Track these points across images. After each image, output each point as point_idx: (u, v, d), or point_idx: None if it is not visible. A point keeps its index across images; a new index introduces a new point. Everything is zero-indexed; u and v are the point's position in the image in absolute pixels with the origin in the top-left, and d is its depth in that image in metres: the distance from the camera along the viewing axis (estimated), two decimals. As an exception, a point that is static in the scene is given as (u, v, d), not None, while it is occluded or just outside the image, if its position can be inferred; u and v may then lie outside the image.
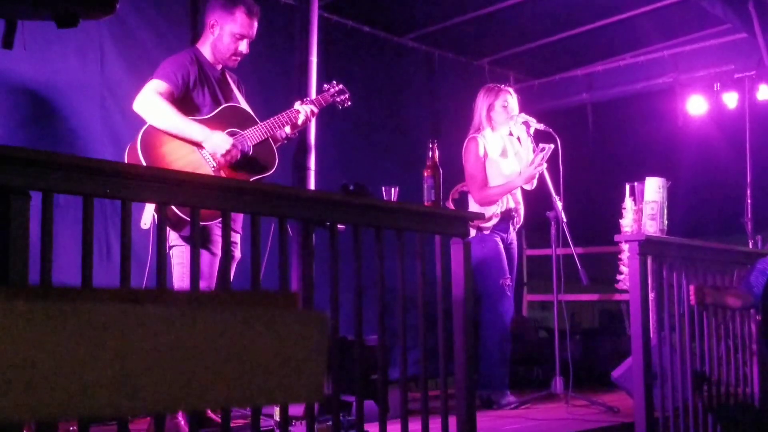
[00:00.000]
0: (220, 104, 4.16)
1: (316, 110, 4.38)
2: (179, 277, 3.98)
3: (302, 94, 5.07)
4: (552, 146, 5.27)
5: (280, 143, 4.43)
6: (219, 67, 4.29)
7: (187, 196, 3.13)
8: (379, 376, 3.81)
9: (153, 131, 3.90)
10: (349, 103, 4.58)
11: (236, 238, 4.09)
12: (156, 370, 0.65)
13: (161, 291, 0.81)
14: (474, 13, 7.06)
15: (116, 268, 3.03)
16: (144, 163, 3.75)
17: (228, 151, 3.97)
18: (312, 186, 5.14)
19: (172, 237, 3.96)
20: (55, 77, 5.05)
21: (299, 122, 4.31)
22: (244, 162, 4.07)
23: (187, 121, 3.95)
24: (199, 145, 4.00)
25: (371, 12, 6.93)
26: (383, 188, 4.20)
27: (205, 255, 3.79)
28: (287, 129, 4.34)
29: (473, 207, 5.53)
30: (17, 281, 2.41)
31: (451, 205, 5.60)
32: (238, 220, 4.14)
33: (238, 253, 4.10)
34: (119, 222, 3.00)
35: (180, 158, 3.90)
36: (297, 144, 5.25)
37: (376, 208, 3.89)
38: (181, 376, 0.65)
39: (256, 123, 4.16)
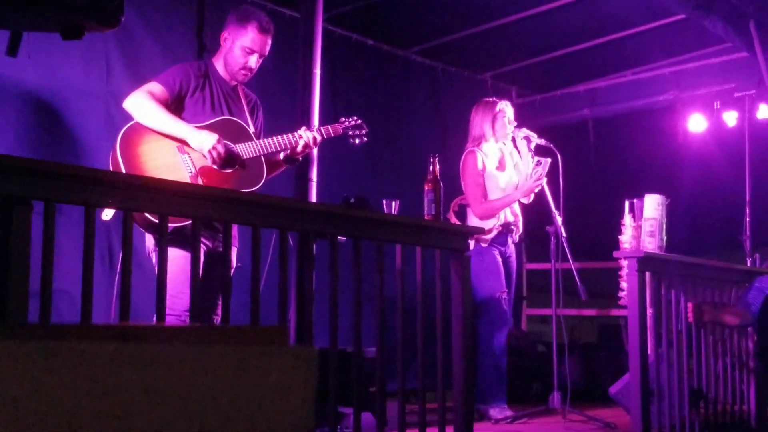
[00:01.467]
0: (221, 116, 4.10)
1: (319, 138, 4.27)
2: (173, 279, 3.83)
3: (305, 108, 5.07)
4: (549, 160, 5.27)
5: (281, 167, 4.33)
6: (233, 83, 4.24)
7: (188, 207, 3.13)
8: (377, 388, 3.80)
9: (135, 130, 3.84)
10: (366, 139, 4.49)
11: (233, 250, 3.98)
12: (148, 408, 0.64)
13: (158, 328, 0.80)
14: (478, 28, 7.07)
15: (118, 275, 3.02)
16: (121, 162, 3.68)
17: (214, 147, 3.89)
18: (314, 198, 5.13)
19: (152, 243, 3.83)
20: (60, 86, 5.05)
21: (298, 148, 4.21)
22: (227, 173, 3.96)
23: (173, 118, 3.90)
24: (182, 148, 3.89)
25: (376, 25, 6.94)
26: (384, 201, 4.20)
27: (184, 260, 3.71)
28: (287, 152, 4.23)
29: (472, 220, 5.53)
30: (18, 291, 2.40)
31: (452, 218, 5.60)
32: (235, 234, 4.03)
33: (234, 261, 4.01)
34: (121, 226, 3.00)
35: (156, 159, 3.81)
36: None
37: (377, 221, 3.89)
38: (172, 414, 0.65)
39: (251, 139, 4.09)
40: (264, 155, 4.09)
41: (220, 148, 3.89)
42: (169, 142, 3.89)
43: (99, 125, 5.17)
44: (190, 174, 3.86)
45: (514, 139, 5.67)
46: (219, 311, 3.94)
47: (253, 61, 4.20)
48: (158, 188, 3.08)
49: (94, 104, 5.19)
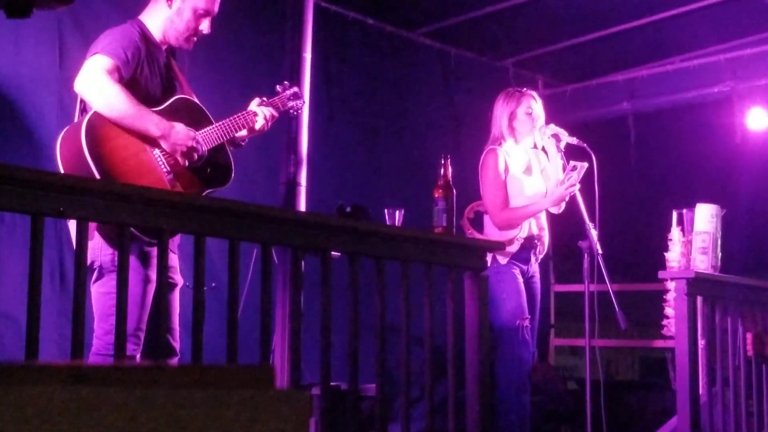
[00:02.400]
0: (167, 94, 3.98)
1: (276, 114, 4.25)
2: (105, 311, 3.63)
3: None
4: (586, 164, 5.26)
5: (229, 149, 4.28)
6: (164, 47, 4.08)
7: (153, 216, 3.13)
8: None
9: (99, 121, 3.69)
10: (301, 111, 4.46)
11: (174, 260, 3.93)
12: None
13: (119, 367, 0.80)
14: (497, 6, 7.07)
15: (71, 295, 3.01)
16: (90, 161, 3.54)
17: (191, 149, 3.85)
18: (303, 206, 5.14)
19: (105, 260, 3.68)
20: (4, 73, 5.05)
21: (257, 127, 4.16)
22: (198, 168, 3.94)
23: (143, 110, 3.77)
24: (152, 142, 3.83)
25: (376, 1, 6.95)
26: (386, 210, 4.20)
27: (141, 284, 3.68)
28: (242, 132, 4.20)
29: (489, 230, 5.51)
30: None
31: (466, 225, 5.58)
32: (176, 239, 3.93)
33: (179, 278, 3.99)
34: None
35: (129, 157, 3.73)
36: (285, 155, 5.26)
37: (377, 234, 3.88)
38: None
39: (211, 122, 4.04)
40: (227, 141, 4.06)
41: (201, 151, 3.86)
42: (133, 137, 3.79)
43: (51, 119, 5.16)
44: (166, 174, 3.82)
45: (536, 144, 5.65)
46: (177, 335, 3.92)
47: (206, 26, 4.05)
48: (119, 194, 3.08)
49: (45, 94, 5.19)
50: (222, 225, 3.35)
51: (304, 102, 4.44)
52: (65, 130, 3.77)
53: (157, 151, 3.82)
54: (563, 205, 5.46)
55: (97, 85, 3.71)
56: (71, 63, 5.25)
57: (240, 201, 3.78)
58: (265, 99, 4.25)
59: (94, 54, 3.77)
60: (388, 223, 4.16)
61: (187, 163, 3.86)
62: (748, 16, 7.21)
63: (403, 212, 4.19)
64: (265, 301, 3.44)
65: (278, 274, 4.48)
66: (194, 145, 3.85)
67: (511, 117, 5.55)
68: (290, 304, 3.78)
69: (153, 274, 3.65)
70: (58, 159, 3.67)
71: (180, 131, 3.84)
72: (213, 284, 4.06)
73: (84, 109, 3.84)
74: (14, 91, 5.07)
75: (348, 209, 3.99)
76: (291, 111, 4.40)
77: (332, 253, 3.73)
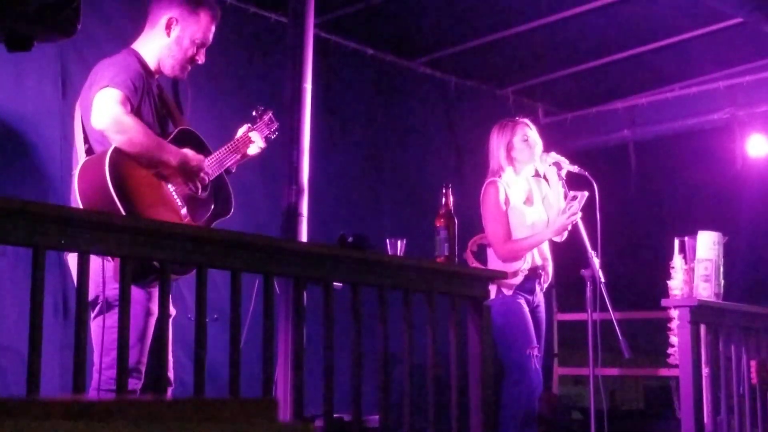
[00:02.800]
0: (164, 125, 3.99)
1: (265, 140, 4.30)
2: (107, 345, 3.53)
3: (295, 128, 5.07)
4: (587, 193, 5.26)
5: None
6: (156, 77, 4.07)
7: (156, 249, 3.12)
8: (380, 464, 3.78)
9: (121, 156, 3.67)
10: (275, 136, 4.48)
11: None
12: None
13: (121, 402, 0.79)
14: (497, 34, 7.09)
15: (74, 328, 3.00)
16: (115, 196, 3.49)
17: (205, 173, 3.88)
18: (304, 236, 5.12)
19: (111, 294, 3.57)
20: (6, 106, 5.06)
21: (250, 152, 4.20)
22: (204, 199, 3.94)
23: (162, 141, 3.78)
24: (162, 176, 3.82)
25: (376, 31, 6.97)
26: (388, 240, 4.19)
27: (143, 317, 3.66)
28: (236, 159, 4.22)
29: (493, 263, 5.50)
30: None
31: (470, 259, 5.58)
32: None
33: (172, 309, 3.96)
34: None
35: (149, 192, 3.73)
36: (287, 185, 5.25)
37: (379, 263, 3.88)
38: None
39: (210, 151, 4.04)
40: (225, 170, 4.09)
41: (206, 178, 3.88)
42: (146, 171, 3.77)
43: (54, 150, 5.16)
44: (182, 209, 3.82)
45: (537, 171, 5.65)
46: (171, 366, 3.89)
47: (202, 55, 4.06)
48: (121, 226, 3.07)
49: (49, 126, 5.19)
50: (224, 256, 3.34)
51: (277, 125, 4.47)
52: (82, 164, 3.73)
53: (170, 186, 3.83)
54: (566, 234, 5.45)
55: (117, 120, 3.68)
56: (74, 94, 5.25)
57: (241, 232, 3.78)
58: (249, 126, 4.29)
59: (103, 87, 3.74)
60: (390, 252, 4.16)
61: (199, 190, 3.87)
62: (747, 44, 7.23)
63: (405, 242, 4.18)
64: (268, 332, 3.43)
65: (280, 304, 4.46)
66: (206, 169, 3.88)
67: (509, 147, 5.55)
68: (293, 335, 3.76)
69: (154, 307, 3.64)
70: (76, 194, 3.62)
71: (192, 158, 3.86)
72: (215, 316, 4.05)
73: (87, 140, 3.83)
74: (17, 123, 5.08)
75: (350, 239, 3.97)
76: (269, 136, 4.42)
77: (334, 283, 3.72)
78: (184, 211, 3.83)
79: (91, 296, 3.54)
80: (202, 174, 3.88)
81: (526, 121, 5.67)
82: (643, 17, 6.85)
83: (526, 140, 5.53)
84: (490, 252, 5.59)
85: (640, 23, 6.97)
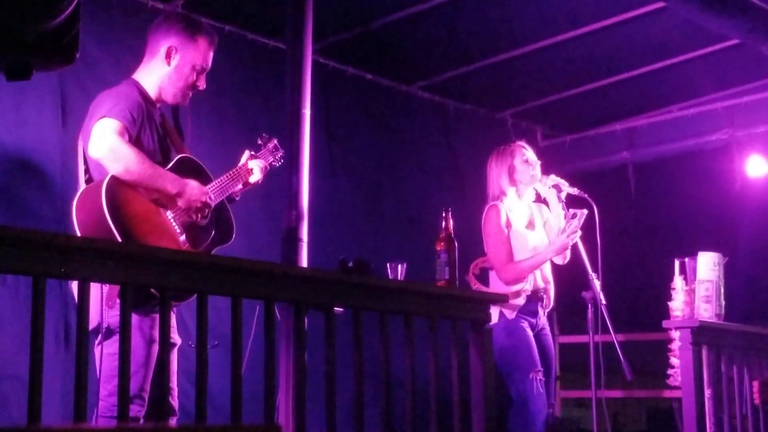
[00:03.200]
0: (167, 153, 4.00)
1: (267, 166, 4.31)
2: (110, 372, 3.52)
3: (294, 153, 5.08)
4: (586, 211, 5.26)
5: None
6: (158, 106, 4.10)
7: (156, 276, 3.12)
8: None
9: (118, 185, 3.71)
10: (280, 163, 4.51)
11: (172, 320, 3.90)
12: None
13: (121, 429, 0.78)
14: (495, 58, 7.11)
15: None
16: (111, 224, 3.55)
17: (206, 205, 3.87)
18: (304, 261, 5.12)
19: (114, 321, 3.52)
20: (6, 135, 5.06)
21: (252, 180, 4.22)
22: (204, 227, 3.94)
23: (159, 169, 3.81)
24: (162, 204, 3.84)
25: (374, 56, 6.99)
26: (388, 265, 4.19)
27: (146, 345, 3.65)
28: (238, 187, 4.23)
29: (495, 285, 5.49)
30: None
31: (473, 281, 5.57)
32: None
33: (177, 338, 3.97)
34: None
35: (146, 220, 3.75)
36: (287, 210, 5.25)
37: (380, 288, 3.87)
38: None
39: (211, 179, 4.05)
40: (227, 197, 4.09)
41: (208, 210, 3.87)
42: (144, 199, 3.80)
43: (55, 179, 5.17)
44: (180, 236, 3.82)
45: (538, 195, 5.65)
46: (176, 395, 3.90)
47: (202, 81, 4.11)
48: (120, 254, 3.07)
49: (49, 154, 5.19)
50: (224, 282, 3.34)
51: (282, 153, 4.50)
52: (80, 193, 3.76)
53: (169, 213, 3.84)
54: (568, 254, 5.45)
55: (113, 149, 3.72)
56: (74, 122, 5.26)
57: (242, 258, 3.77)
58: (252, 153, 4.30)
59: (102, 117, 3.78)
60: (390, 277, 4.15)
61: (200, 218, 3.87)
62: (745, 65, 7.25)
63: (405, 266, 4.18)
64: (269, 358, 3.42)
65: (281, 330, 4.45)
66: (207, 200, 3.87)
67: (511, 171, 5.56)
68: (294, 360, 3.75)
69: (157, 334, 3.64)
70: (74, 222, 3.66)
71: (194, 187, 3.86)
72: (216, 342, 4.03)
73: (87, 170, 3.85)
74: (17, 152, 5.08)
75: (350, 264, 3.97)
76: (273, 164, 4.45)
77: (335, 308, 3.72)
78: (182, 238, 3.83)
79: (93, 324, 3.57)
80: (202, 204, 3.87)
81: (523, 143, 5.69)
82: (641, 39, 6.88)
83: (527, 161, 5.55)
84: (492, 275, 5.58)
85: (639, 45, 6.99)
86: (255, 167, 4.21)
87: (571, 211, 5.29)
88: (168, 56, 4.04)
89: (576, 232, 5.26)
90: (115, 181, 3.70)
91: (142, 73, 4.10)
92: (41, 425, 2.44)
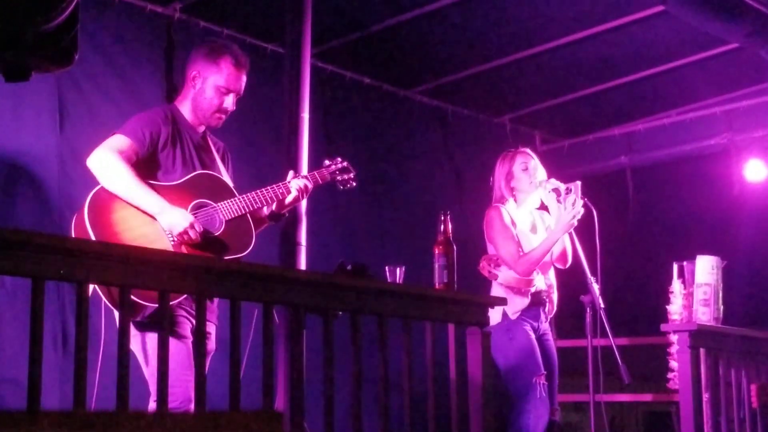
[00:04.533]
0: (193, 171, 4.10)
1: (310, 186, 4.31)
2: (150, 370, 3.79)
3: (292, 157, 5.09)
4: (579, 183, 5.24)
5: (264, 225, 4.33)
6: (201, 129, 4.24)
7: (155, 278, 3.12)
8: (381, 493, 3.76)
9: (104, 194, 3.85)
10: (354, 184, 4.54)
11: (211, 328, 3.98)
12: None
13: (119, 415, 0.79)
14: (493, 63, 7.12)
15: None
16: (90, 232, 3.66)
17: (185, 231, 3.86)
18: (303, 265, 5.12)
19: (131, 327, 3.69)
20: (3, 138, 5.07)
21: (287, 201, 4.23)
22: (211, 241, 3.96)
23: (143, 187, 3.89)
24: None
25: (373, 61, 7.00)
26: (387, 268, 4.19)
27: (173, 342, 3.68)
28: (273, 206, 4.24)
29: (505, 275, 5.41)
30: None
31: (485, 268, 5.46)
32: (214, 309, 4.04)
33: (212, 345, 4.02)
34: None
35: (132, 228, 3.82)
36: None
37: (378, 291, 3.87)
38: None
39: (233, 195, 4.09)
40: (250, 212, 4.09)
41: (193, 234, 3.86)
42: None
43: (51, 184, 5.17)
44: (172, 243, 3.84)
45: (542, 203, 5.64)
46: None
47: (230, 102, 4.22)
48: (119, 256, 3.07)
49: (45, 159, 5.20)
50: (223, 285, 3.34)
51: (354, 174, 4.51)
52: (76, 213, 3.88)
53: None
54: (570, 258, 5.43)
55: (103, 162, 3.88)
56: (71, 126, 5.28)
57: (240, 261, 3.78)
58: (302, 173, 4.35)
59: (115, 134, 3.98)
60: (389, 280, 4.15)
61: (183, 243, 3.88)
62: (744, 69, 7.26)
63: (404, 269, 4.18)
64: (268, 362, 3.42)
65: (280, 333, 4.46)
66: (188, 228, 3.86)
67: (508, 177, 5.55)
68: (292, 363, 3.75)
69: (183, 331, 3.86)
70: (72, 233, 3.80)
71: (174, 213, 3.87)
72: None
73: None
74: (15, 157, 5.09)
75: (349, 267, 3.97)
76: (339, 184, 4.51)
77: (334, 311, 3.72)
78: (174, 242, 3.85)
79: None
80: (183, 230, 3.87)
81: (527, 150, 5.68)
82: (639, 43, 6.89)
83: (526, 169, 5.52)
84: (500, 271, 5.52)
85: (637, 50, 7.00)
86: (293, 185, 4.22)
87: (565, 185, 5.27)
88: (193, 81, 4.21)
89: (576, 204, 5.23)
90: (103, 190, 3.87)
91: (180, 99, 4.28)
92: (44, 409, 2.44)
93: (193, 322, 3.82)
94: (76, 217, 3.81)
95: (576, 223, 5.27)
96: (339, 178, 4.48)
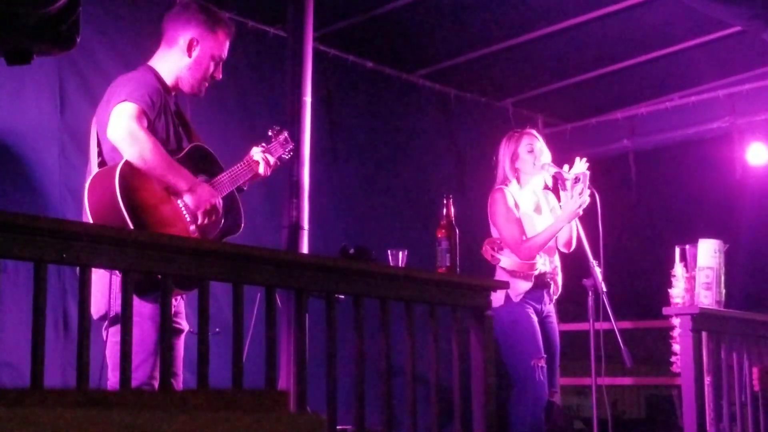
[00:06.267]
0: (180, 142, 3.99)
1: (272, 161, 4.27)
2: (116, 361, 3.46)
3: (295, 141, 5.08)
4: (588, 172, 5.24)
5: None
6: (173, 94, 4.09)
7: (157, 262, 3.12)
8: (383, 476, 3.76)
9: (131, 169, 3.67)
10: (289, 156, 4.49)
11: (181, 306, 3.89)
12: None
13: (124, 392, 0.79)
14: (496, 46, 7.10)
15: (74, 344, 3.00)
16: (124, 210, 3.51)
17: (213, 210, 3.83)
18: (305, 249, 5.12)
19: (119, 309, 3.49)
20: (4, 121, 5.06)
21: (260, 171, 4.16)
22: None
23: (174, 163, 3.78)
24: (175, 193, 3.82)
25: (375, 44, 6.98)
26: (389, 252, 4.19)
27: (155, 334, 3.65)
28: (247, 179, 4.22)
29: (507, 258, 5.42)
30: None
31: (487, 252, 5.46)
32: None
33: (185, 324, 3.96)
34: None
35: (157, 206, 3.72)
36: (288, 199, 5.26)
37: (381, 275, 3.87)
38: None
39: (222, 168, 4.05)
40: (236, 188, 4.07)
41: (215, 216, 3.82)
42: (158, 185, 3.77)
43: (53, 165, 5.17)
44: (191, 225, 3.79)
45: (546, 184, 5.63)
46: (180, 381, 3.90)
47: (220, 71, 4.12)
48: (120, 239, 3.07)
49: (47, 141, 5.20)
50: (225, 269, 3.34)
51: (292, 146, 4.46)
52: (93, 176, 3.72)
53: (180, 202, 3.80)
54: (574, 242, 5.43)
55: (131, 135, 3.69)
56: (71, 109, 5.26)
57: (243, 245, 3.77)
58: (264, 145, 4.26)
59: (122, 101, 3.75)
60: (391, 264, 4.15)
61: (206, 222, 3.83)
62: (746, 52, 7.23)
63: (406, 253, 4.18)
64: (270, 346, 3.42)
65: (282, 317, 4.46)
66: (216, 204, 3.83)
67: (513, 157, 5.54)
68: (295, 347, 3.75)
69: (181, 321, 3.75)
70: (86, 204, 3.62)
71: (206, 190, 3.82)
72: (217, 329, 4.04)
73: (101, 153, 3.83)
74: (15, 138, 5.08)
75: (351, 251, 3.97)
76: (283, 156, 4.42)
77: (336, 295, 3.72)
78: (192, 227, 3.81)
79: (102, 311, 3.61)
80: (211, 207, 3.83)
81: (533, 131, 5.66)
82: (642, 27, 6.86)
83: (531, 151, 5.51)
84: (502, 255, 5.53)
85: (640, 33, 6.98)
86: (260, 159, 4.17)
87: (575, 174, 5.26)
88: (189, 48, 4.03)
89: (583, 194, 5.22)
90: (129, 166, 3.67)
91: (158, 61, 4.07)
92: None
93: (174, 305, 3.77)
94: (95, 189, 3.64)
95: (581, 213, 5.27)
96: (281, 150, 4.36)
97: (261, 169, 4.15)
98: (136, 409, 0.71)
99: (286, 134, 4.42)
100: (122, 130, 3.70)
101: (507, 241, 5.40)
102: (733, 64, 7.56)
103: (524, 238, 5.38)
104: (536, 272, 5.41)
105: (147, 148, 3.69)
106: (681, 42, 7.14)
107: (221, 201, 3.87)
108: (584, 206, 5.22)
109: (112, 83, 3.94)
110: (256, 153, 4.19)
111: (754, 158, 7.67)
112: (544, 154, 5.52)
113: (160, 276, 3.21)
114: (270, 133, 4.36)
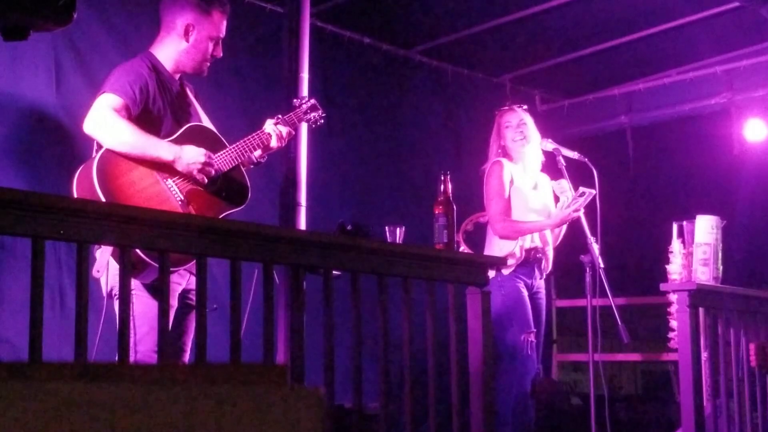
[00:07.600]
0: (181, 123, 4.06)
1: (292, 131, 4.34)
2: (139, 318, 3.70)
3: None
4: (594, 192, 5.25)
5: (246, 168, 4.34)
6: (177, 76, 4.20)
7: (155, 237, 3.12)
8: (381, 451, 3.78)
9: (110, 158, 3.77)
10: (322, 122, 4.54)
11: (193, 282, 3.96)
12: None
13: (122, 365, 0.79)
14: (492, 22, 7.08)
15: (71, 320, 3.01)
16: (102, 197, 3.64)
17: (206, 165, 3.89)
18: (303, 225, 5.13)
19: (115, 284, 3.61)
20: (4, 95, 5.05)
21: (272, 145, 4.23)
22: (213, 191, 3.96)
23: (152, 138, 3.86)
24: (165, 172, 3.87)
25: (372, 20, 6.96)
26: (387, 228, 4.19)
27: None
28: (257, 152, 4.26)
29: (491, 242, 5.47)
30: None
31: (461, 242, 5.55)
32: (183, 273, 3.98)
33: (175, 301, 3.99)
34: (75, 265, 2.99)
35: (142, 190, 3.80)
36: (284, 175, 5.26)
37: (378, 251, 3.88)
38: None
39: (225, 145, 4.09)
40: (242, 162, 4.11)
41: (210, 169, 3.89)
42: (146, 169, 3.85)
43: (50, 142, 5.16)
44: (180, 202, 3.84)
45: (543, 164, 5.65)
46: (187, 357, 3.96)
47: (220, 49, 4.21)
48: (119, 216, 3.07)
49: (42, 118, 5.18)
50: (223, 245, 3.34)
51: (323, 113, 4.51)
52: (80, 169, 3.82)
53: (170, 181, 3.86)
54: (564, 227, 5.46)
55: (104, 122, 3.81)
56: (67, 87, 5.25)
57: (240, 221, 3.78)
58: (280, 117, 4.30)
59: (102, 93, 3.88)
60: (389, 240, 4.16)
61: (206, 180, 3.89)
62: (744, 28, 7.22)
63: (403, 229, 4.19)
64: (268, 322, 3.43)
65: (280, 294, 4.47)
66: (207, 160, 3.89)
67: (499, 134, 5.60)
68: (292, 324, 3.76)
69: (174, 301, 3.78)
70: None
71: (189, 151, 3.89)
72: (215, 306, 4.04)
73: (100, 146, 3.89)
74: (12, 114, 5.07)
75: (349, 227, 3.98)
76: (310, 122, 4.53)
77: (333, 271, 3.72)
78: (182, 201, 3.84)
79: (108, 287, 3.73)
80: (202, 165, 3.88)
81: (513, 106, 5.71)
82: (639, 2, 6.85)
83: (508, 126, 5.57)
84: (488, 231, 5.58)
85: (637, 8, 6.96)
86: (271, 131, 4.22)
87: (581, 189, 5.28)
88: (186, 33, 4.13)
89: (579, 210, 5.26)
90: (108, 154, 3.78)
91: (158, 47, 4.17)
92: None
93: (180, 284, 3.83)
94: (79, 179, 3.75)
95: (567, 223, 5.35)
96: (309, 116, 4.47)
97: (273, 143, 4.21)
98: (133, 383, 0.71)
99: (313, 101, 4.49)
100: (93, 121, 3.84)
101: (489, 213, 5.47)
102: (730, 40, 7.54)
103: (507, 213, 5.43)
104: (526, 245, 5.44)
105: (119, 130, 3.80)
106: (679, 18, 7.12)
107: (212, 158, 3.92)
108: (574, 217, 5.28)
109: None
110: (268, 125, 4.24)
111: (751, 134, 7.66)
112: (529, 129, 5.57)
113: (144, 256, 3.23)
114: (294, 102, 4.45)
